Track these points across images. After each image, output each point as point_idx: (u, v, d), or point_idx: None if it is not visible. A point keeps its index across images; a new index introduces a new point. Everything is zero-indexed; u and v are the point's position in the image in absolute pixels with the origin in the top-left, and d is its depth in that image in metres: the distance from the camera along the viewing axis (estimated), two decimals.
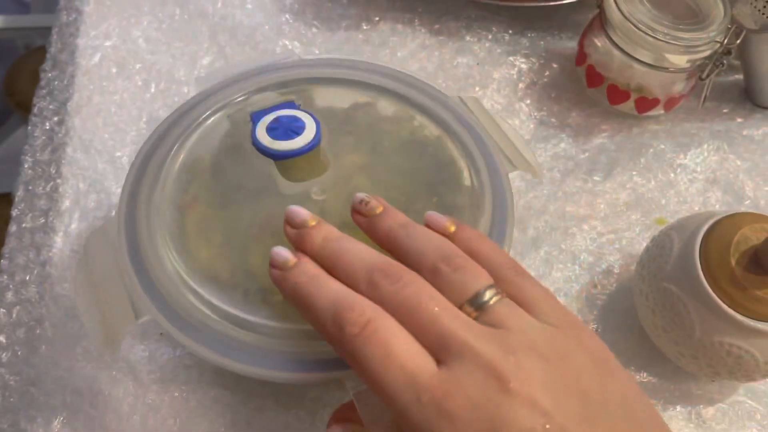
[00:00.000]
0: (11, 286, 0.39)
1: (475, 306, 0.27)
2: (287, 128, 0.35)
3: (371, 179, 0.37)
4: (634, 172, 0.46)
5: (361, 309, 0.26)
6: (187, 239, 0.33)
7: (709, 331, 0.35)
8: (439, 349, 0.25)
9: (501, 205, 0.36)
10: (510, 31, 0.52)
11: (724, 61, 0.44)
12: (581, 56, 0.48)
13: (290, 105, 0.37)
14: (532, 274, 0.41)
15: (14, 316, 0.38)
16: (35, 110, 0.47)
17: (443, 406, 0.24)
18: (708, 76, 0.44)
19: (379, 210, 0.31)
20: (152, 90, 0.47)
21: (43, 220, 0.41)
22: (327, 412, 0.37)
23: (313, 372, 0.29)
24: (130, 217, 0.33)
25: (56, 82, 0.47)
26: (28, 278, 0.39)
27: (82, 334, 0.38)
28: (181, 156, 0.35)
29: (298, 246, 0.30)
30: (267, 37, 0.50)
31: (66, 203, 0.42)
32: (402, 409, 0.24)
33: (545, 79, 0.50)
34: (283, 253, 0.29)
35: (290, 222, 0.31)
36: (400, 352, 0.25)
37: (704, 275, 0.35)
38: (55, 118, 0.45)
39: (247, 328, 0.30)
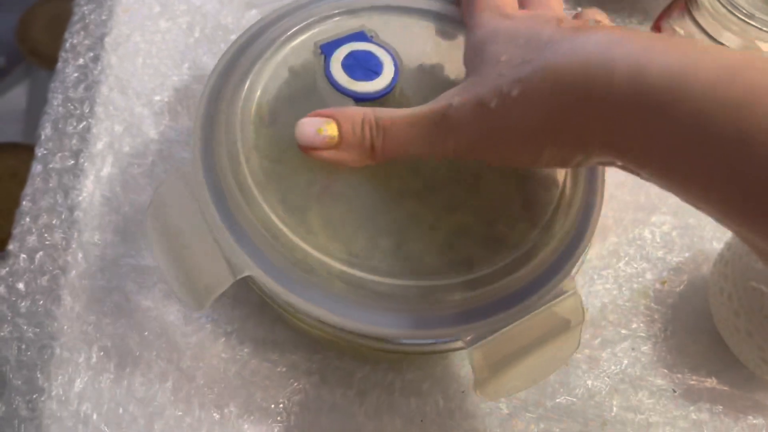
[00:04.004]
0: (34, 230, 0.35)
1: None
2: (364, 66, 0.31)
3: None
4: None
5: None
6: (271, 192, 0.30)
7: None
8: None
9: (593, 175, 0.33)
10: (579, 8, 0.48)
11: None
12: None
13: (361, 36, 0.34)
14: (598, 264, 0.39)
15: (36, 262, 0.34)
16: (66, 46, 0.43)
17: None
18: None
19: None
20: (196, 35, 0.43)
21: (72, 162, 0.37)
22: (376, 393, 0.33)
23: (430, 329, 0.28)
24: (208, 167, 0.30)
25: (92, 16, 0.43)
26: (54, 222, 0.35)
27: (113, 287, 0.34)
28: (249, 102, 0.32)
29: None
30: None
31: (99, 145, 0.38)
32: None
33: None
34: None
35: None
36: None
37: None
38: (90, 54, 0.41)
39: (354, 284, 0.28)
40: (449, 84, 0.35)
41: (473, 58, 0.29)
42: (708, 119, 0.20)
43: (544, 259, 0.30)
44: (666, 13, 0.45)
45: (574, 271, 0.29)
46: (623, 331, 0.37)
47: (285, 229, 0.28)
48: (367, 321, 0.27)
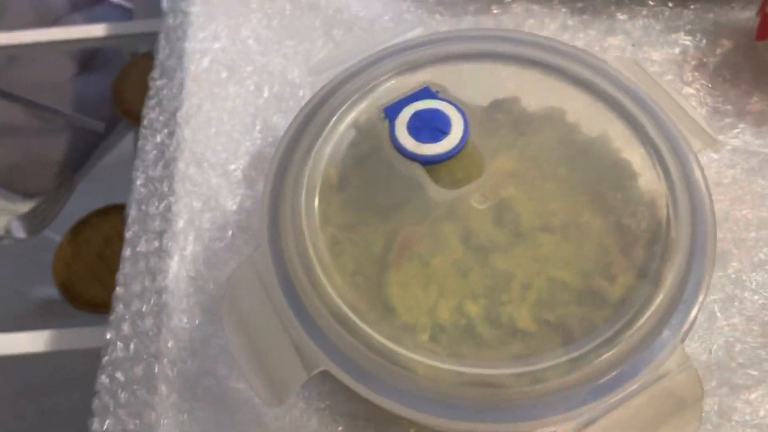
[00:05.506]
0: (127, 317, 0.36)
1: None
2: (431, 126, 0.30)
3: (523, 188, 0.31)
4: None
5: None
6: (341, 272, 0.28)
7: None
8: None
9: (698, 207, 0.29)
10: (670, 4, 0.44)
11: None
12: (764, 28, 0.40)
13: (426, 93, 0.32)
14: (720, 296, 0.35)
15: (131, 350, 0.35)
16: (145, 122, 0.44)
17: None
18: None
19: None
20: (265, 95, 0.43)
21: (157, 244, 0.38)
22: None
23: (525, 421, 0.25)
24: (276, 250, 0.28)
25: (165, 91, 0.44)
26: (144, 308, 0.36)
27: (204, 371, 0.34)
28: (315, 172, 0.31)
29: None
30: (387, 29, 0.44)
31: (180, 224, 0.38)
32: None
33: (717, 59, 0.42)
34: None
35: None
36: None
37: None
38: (165, 130, 0.42)
39: (439, 378, 0.26)
40: (525, 121, 0.32)
41: None
42: None
43: (650, 323, 0.26)
44: None
45: (686, 337, 0.26)
46: (755, 373, 0.33)
47: (357, 317, 0.27)
48: (455, 418, 0.25)
